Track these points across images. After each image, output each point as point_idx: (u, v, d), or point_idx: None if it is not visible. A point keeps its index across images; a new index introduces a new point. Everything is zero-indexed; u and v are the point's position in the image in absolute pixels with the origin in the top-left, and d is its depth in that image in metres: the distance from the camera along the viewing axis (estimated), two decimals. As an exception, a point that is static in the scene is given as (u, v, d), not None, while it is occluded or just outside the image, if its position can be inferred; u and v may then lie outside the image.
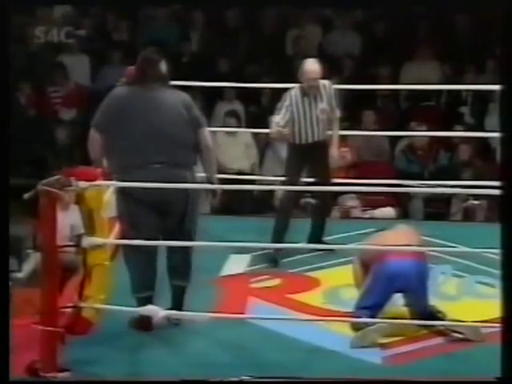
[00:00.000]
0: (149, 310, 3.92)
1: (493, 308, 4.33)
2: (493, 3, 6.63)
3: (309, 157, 5.14)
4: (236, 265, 4.61)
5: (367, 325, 4.02)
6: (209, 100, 8.01)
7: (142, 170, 4.02)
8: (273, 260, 4.92)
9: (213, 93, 7.93)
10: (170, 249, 4.16)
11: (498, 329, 4.08)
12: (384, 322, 4.03)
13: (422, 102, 7.85)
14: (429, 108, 7.83)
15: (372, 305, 4.11)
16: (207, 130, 4.17)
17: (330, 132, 5.24)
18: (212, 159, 4.20)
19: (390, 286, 4.10)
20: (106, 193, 4.30)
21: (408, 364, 3.92)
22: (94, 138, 4.13)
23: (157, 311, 3.91)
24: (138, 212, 4.07)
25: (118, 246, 4.71)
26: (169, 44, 8.50)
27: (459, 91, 7.53)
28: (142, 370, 3.88)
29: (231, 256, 4.79)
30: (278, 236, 4.97)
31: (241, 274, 4.65)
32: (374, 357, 3.95)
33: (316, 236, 5.19)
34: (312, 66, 5.09)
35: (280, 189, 4.09)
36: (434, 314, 4.14)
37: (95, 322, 3.93)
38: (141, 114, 4.06)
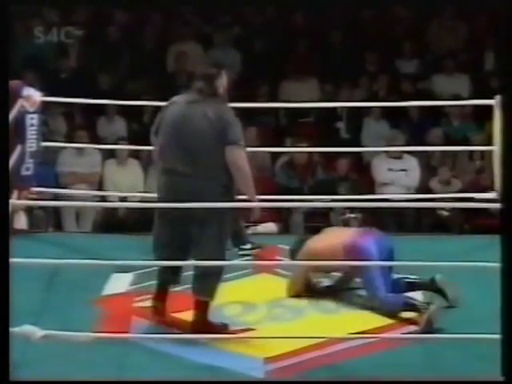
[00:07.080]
0: (26, 329, 3.86)
1: (369, 320, 4.46)
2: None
3: None
4: (118, 284, 4.57)
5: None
6: (90, 116, 7.96)
7: (164, 176, 4.23)
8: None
9: (93, 109, 7.86)
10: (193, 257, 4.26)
11: (373, 340, 4.23)
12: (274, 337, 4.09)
13: (301, 118, 8.03)
14: (307, 124, 8.01)
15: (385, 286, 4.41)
16: (237, 148, 4.17)
17: None
18: (240, 178, 4.22)
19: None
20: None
21: (290, 377, 3.99)
22: (152, 140, 4.36)
23: (34, 331, 3.85)
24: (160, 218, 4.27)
25: None
26: (46, 59, 8.38)
27: (335, 107, 7.74)
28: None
29: (113, 275, 4.75)
30: None
31: (124, 293, 4.61)
32: (256, 372, 4.00)
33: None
34: None
35: (160, 207, 4.09)
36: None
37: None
38: (172, 123, 4.23)
